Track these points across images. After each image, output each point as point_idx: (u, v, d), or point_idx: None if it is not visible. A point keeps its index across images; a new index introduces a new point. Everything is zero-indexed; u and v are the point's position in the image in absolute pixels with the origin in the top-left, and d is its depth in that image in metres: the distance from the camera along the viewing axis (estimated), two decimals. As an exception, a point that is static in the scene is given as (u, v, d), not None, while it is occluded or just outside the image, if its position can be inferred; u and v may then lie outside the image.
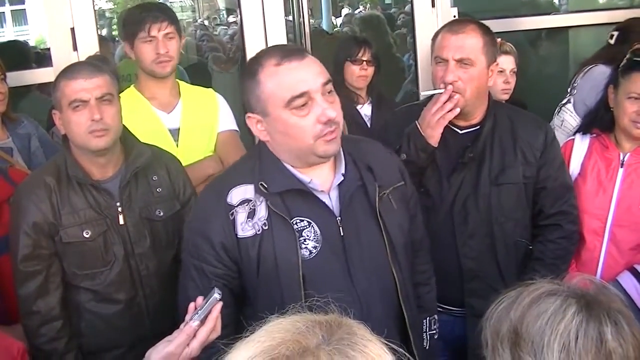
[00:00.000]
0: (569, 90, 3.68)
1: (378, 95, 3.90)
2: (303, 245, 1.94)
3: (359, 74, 3.78)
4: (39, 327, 2.41)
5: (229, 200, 1.97)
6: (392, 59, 5.91)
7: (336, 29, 8.64)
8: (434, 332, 2.33)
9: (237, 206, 1.96)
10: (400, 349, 1.11)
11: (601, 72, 3.44)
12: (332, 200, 2.01)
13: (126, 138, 2.52)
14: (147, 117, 2.96)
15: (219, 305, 1.78)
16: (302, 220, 1.96)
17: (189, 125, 3.02)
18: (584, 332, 1.26)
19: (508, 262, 2.59)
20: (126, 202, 2.47)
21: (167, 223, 2.53)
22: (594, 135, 2.82)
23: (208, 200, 2.06)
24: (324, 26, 8.47)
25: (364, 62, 3.78)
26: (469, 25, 2.53)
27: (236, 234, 1.95)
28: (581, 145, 2.83)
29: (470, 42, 2.49)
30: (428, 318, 2.32)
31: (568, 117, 3.53)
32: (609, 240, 2.71)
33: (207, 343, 1.76)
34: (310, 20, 4.78)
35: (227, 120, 3.11)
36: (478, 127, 2.59)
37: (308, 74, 1.90)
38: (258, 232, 1.94)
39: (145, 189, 2.52)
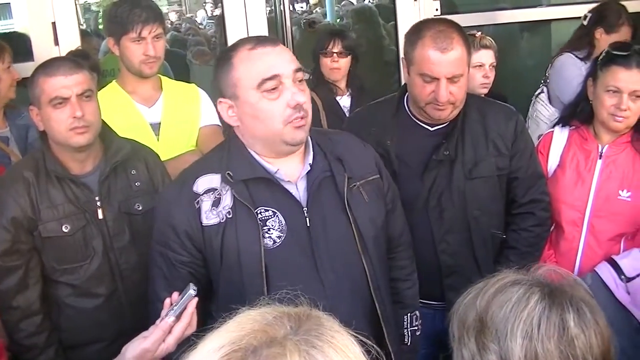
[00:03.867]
0: (542, 80, 3.72)
1: (359, 87, 3.89)
2: (267, 235, 1.94)
3: (330, 66, 3.77)
4: (18, 322, 2.41)
5: (194, 188, 1.98)
6: (385, 50, 5.90)
7: (323, 21, 8.61)
8: (416, 328, 2.33)
9: (202, 194, 1.97)
10: (369, 341, 1.11)
11: (562, 61, 3.59)
12: (299, 190, 2.01)
13: (105, 133, 2.52)
14: (128, 111, 2.95)
15: (195, 300, 1.78)
16: (267, 210, 1.96)
17: (170, 119, 3.01)
18: (547, 319, 1.27)
19: (485, 255, 2.60)
20: (105, 196, 2.47)
21: (146, 216, 2.51)
22: (573, 127, 2.83)
23: (174, 189, 2.09)
24: (328, 16, 8.41)
25: (334, 54, 3.77)
26: (453, 39, 2.42)
27: (201, 222, 1.96)
28: (560, 137, 2.84)
29: (458, 57, 2.43)
30: (409, 314, 2.32)
31: (541, 107, 3.57)
32: (588, 231, 2.73)
33: (182, 339, 1.76)
34: (314, 11, 4.76)
35: (209, 115, 3.08)
36: (447, 122, 2.57)
37: (280, 59, 1.93)
38: (222, 221, 1.95)
39: (124, 183, 2.52)
